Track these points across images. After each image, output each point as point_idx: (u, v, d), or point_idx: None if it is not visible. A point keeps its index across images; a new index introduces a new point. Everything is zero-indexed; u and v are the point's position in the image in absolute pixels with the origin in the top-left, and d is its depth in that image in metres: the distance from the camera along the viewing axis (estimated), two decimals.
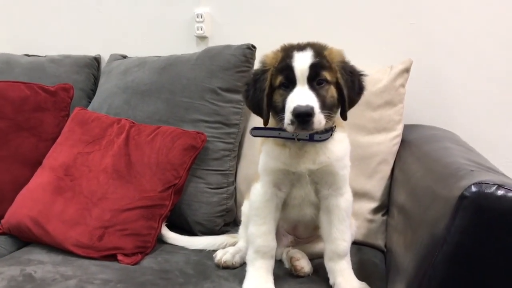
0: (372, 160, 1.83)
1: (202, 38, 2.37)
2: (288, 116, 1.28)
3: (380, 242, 1.79)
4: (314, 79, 1.31)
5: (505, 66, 1.94)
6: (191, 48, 2.35)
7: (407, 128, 1.92)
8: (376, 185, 1.82)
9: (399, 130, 1.87)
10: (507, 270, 0.97)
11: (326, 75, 1.33)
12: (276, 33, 2.19)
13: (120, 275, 1.48)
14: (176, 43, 2.41)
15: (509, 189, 0.96)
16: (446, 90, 2.03)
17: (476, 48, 1.96)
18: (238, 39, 2.06)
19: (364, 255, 1.69)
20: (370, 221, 1.81)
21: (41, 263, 1.56)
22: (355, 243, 1.76)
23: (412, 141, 1.80)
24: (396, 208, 1.62)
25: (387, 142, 1.84)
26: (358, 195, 1.80)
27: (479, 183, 0.98)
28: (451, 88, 2.02)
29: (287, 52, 1.36)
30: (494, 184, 0.97)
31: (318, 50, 1.35)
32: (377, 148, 1.83)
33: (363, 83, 1.41)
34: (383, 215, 1.82)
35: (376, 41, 2.07)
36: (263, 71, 1.39)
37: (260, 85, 1.38)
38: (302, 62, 1.31)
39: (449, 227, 1.00)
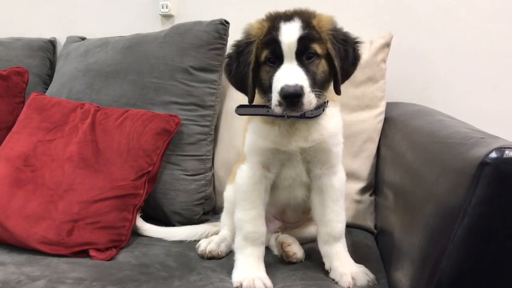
0: (357, 139, 1.76)
1: (168, 17, 2.23)
2: (275, 97, 1.16)
3: (369, 223, 1.72)
4: (303, 54, 1.20)
5: (486, 41, 1.91)
6: (156, 28, 2.18)
7: (389, 106, 1.86)
8: (363, 164, 1.75)
9: (382, 107, 1.80)
10: None
11: (316, 48, 1.21)
12: (247, 9, 2.08)
13: (94, 273, 1.32)
14: (139, 23, 2.25)
15: None
16: (426, 66, 1.99)
17: (457, 23, 1.92)
18: (205, 18, 1.93)
19: (355, 237, 1.61)
20: (358, 201, 1.74)
21: (2, 265, 1.37)
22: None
23: (396, 118, 1.74)
24: (389, 188, 1.54)
25: (371, 120, 1.77)
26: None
27: (501, 148, 0.90)
28: (431, 65, 1.98)
29: (273, 22, 1.22)
30: None
31: (306, 19, 1.22)
32: (361, 126, 1.76)
33: (358, 51, 1.29)
34: (370, 195, 1.76)
35: (356, 14, 1.99)
36: (247, 43, 1.25)
37: (245, 59, 1.25)
38: (289, 35, 1.18)
39: (469, 197, 0.91)
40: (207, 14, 1.99)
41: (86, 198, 1.51)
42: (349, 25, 1.94)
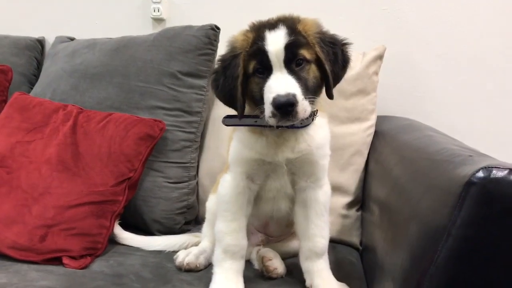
0: (345, 151, 1.71)
1: (159, 20, 2.19)
2: (268, 108, 1.12)
3: (355, 239, 1.67)
4: (292, 61, 1.15)
5: (481, 57, 1.88)
6: (147, 31, 2.12)
7: (380, 119, 1.82)
8: (350, 178, 1.71)
9: (372, 120, 1.77)
10: None
11: (305, 53, 1.17)
12: (238, 15, 2.04)
13: (65, 281, 1.26)
14: (130, 26, 2.21)
15: None
16: (418, 79, 1.95)
17: (450, 37, 1.89)
18: (197, 22, 1.89)
19: (339, 253, 1.56)
20: (344, 216, 1.69)
21: None
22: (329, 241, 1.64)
23: (386, 132, 1.70)
24: (375, 203, 1.49)
25: (360, 133, 1.73)
26: (331, 189, 1.67)
27: (488, 167, 0.86)
28: (424, 78, 1.95)
29: (258, 32, 1.18)
30: (505, 168, 0.85)
31: (291, 25, 1.18)
32: (350, 139, 1.72)
33: (347, 54, 1.25)
34: (357, 210, 1.71)
35: (349, 26, 1.95)
36: (233, 56, 1.21)
37: (232, 72, 1.20)
38: (275, 44, 1.14)
39: (454, 218, 0.87)
40: (199, 19, 1.95)
41: (62, 203, 1.45)
42: (344, 35, 1.96)
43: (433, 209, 0.98)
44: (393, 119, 1.85)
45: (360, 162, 1.72)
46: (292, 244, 1.49)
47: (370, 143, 1.74)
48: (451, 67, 1.92)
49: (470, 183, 0.86)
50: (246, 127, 1.27)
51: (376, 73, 1.78)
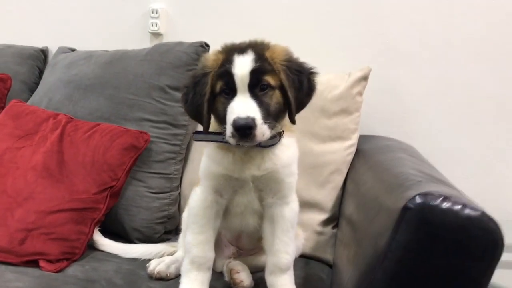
0: (325, 169, 1.74)
1: (157, 35, 2.26)
2: (229, 128, 1.17)
3: (328, 256, 1.69)
4: (256, 86, 1.20)
5: (464, 78, 1.91)
6: (145, 45, 2.21)
7: (363, 139, 1.86)
8: (328, 196, 1.74)
9: (354, 139, 1.79)
10: None
11: (269, 79, 1.22)
12: (234, 33, 2.09)
13: (37, 284, 1.33)
14: (129, 39, 2.29)
15: (455, 202, 0.88)
16: (404, 100, 1.99)
17: (435, 59, 1.92)
18: (194, 38, 1.96)
19: (311, 269, 1.59)
20: (320, 233, 1.72)
21: None
22: (303, 256, 1.67)
23: (366, 151, 1.73)
24: (344, 220, 1.53)
25: (341, 151, 1.76)
26: (308, 205, 1.72)
27: (425, 194, 0.90)
28: (409, 99, 1.99)
29: (227, 54, 1.24)
30: (440, 196, 0.89)
31: (260, 51, 1.23)
32: (330, 157, 1.75)
33: (314, 82, 1.29)
34: (333, 227, 1.73)
35: (335, 46, 2.01)
36: (203, 74, 1.27)
37: (200, 89, 1.26)
38: (241, 68, 1.19)
39: (390, 241, 0.91)
40: (195, 35, 2.03)
41: (44, 208, 1.52)
42: (332, 55, 2.00)
43: (379, 231, 1.02)
44: (375, 138, 1.88)
45: (338, 180, 1.74)
46: (263, 259, 1.50)
47: (350, 161, 1.77)
48: (437, 90, 1.94)
49: (406, 208, 0.90)
50: (215, 143, 1.32)
51: (360, 93, 1.81)
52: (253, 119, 1.15)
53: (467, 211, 0.87)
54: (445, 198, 0.88)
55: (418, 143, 1.88)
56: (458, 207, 0.87)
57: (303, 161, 1.67)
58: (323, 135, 1.77)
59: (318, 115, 1.77)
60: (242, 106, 1.17)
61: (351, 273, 1.13)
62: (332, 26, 2.01)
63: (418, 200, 0.89)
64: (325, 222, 1.73)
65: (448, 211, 0.87)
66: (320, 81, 1.75)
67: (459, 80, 1.91)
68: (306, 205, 1.70)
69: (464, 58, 1.90)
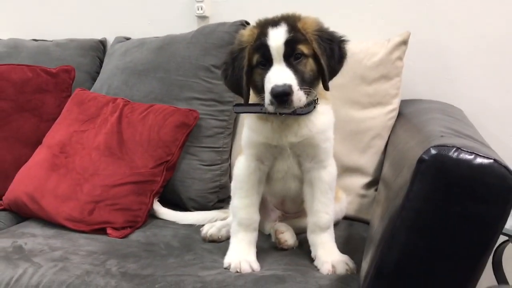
0: (366, 135, 1.80)
1: (203, 18, 2.37)
2: (267, 97, 1.26)
3: (370, 217, 1.75)
4: (291, 55, 1.29)
5: (507, 36, 1.86)
6: (192, 28, 2.30)
7: (405, 103, 1.88)
8: (369, 160, 1.79)
9: (395, 104, 1.82)
10: (467, 237, 0.94)
11: (303, 48, 1.30)
12: (275, 10, 2.15)
13: (105, 247, 1.51)
14: (177, 24, 2.40)
15: (468, 152, 0.92)
16: (446, 63, 1.97)
17: (476, 19, 1.89)
18: (237, 18, 2.05)
19: (353, 230, 1.67)
20: (362, 196, 1.79)
21: (33, 236, 1.61)
22: (347, 218, 1.75)
23: (406, 115, 1.76)
24: (381, 182, 1.58)
25: (381, 117, 1.80)
26: (351, 170, 1.78)
27: (438, 146, 0.94)
28: (452, 61, 1.96)
29: (262, 29, 1.33)
30: (453, 147, 0.93)
31: (292, 23, 1.31)
32: (371, 123, 1.80)
33: (344, 49, 1.36)
34: (375, 190, 1.79)
35: (373, 14, 2.02)
36: (240, 49, 1.37)
37: (239, 64, 1.36)
38: (276, 40, 1.28)
39: (408, 193, 0.97)
40: (239, 15, 2.12)
41: (108, 183, 1.71)
42: (370, 23, 2.03)
43: (401, 184, 1.08)
44: (418, 102, 1.89)
45: (380, 145, 1.79)
46: (307, 220, 1.62)
47: (391, 126, 1.81)
48: (481, 49, 1.92)
49: (421, 160, 0.95)
50: (254, 114, 1.42)
51: (400, 58, 1.83)
52: (290, 86, 1.24)
53: (479, 159, 0.91)
54: (458, 149, 0.92)
55: (464, 105, 1.87)
56: (470, 156, 0.91)
57: (344, 128, 1.75)
58: (363, 101, 1.81)
59: (358, 83, 1.81)
60: (279, 75, 1.26)
61: (378, 227, 1.20)
62: None
63: (432, 151, 0.94)
64: (368, 185, 1.79)
65: (461, 160, 0.91)
66: (359, 49, 1.83)
67: (505, 37, 1.87)
68: (348, 170, 1.78)
69: (507, 15, 1.85)
